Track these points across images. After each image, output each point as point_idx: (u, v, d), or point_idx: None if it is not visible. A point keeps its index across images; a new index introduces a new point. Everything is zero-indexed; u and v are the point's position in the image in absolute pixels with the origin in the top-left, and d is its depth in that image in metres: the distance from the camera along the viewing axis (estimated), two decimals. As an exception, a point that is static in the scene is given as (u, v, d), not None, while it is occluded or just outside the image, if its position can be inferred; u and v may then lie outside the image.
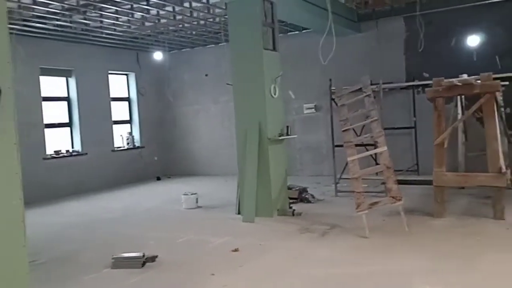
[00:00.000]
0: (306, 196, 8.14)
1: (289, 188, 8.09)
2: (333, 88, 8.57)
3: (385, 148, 6.33)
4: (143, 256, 5.01)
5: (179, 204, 8.31)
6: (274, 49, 7.27)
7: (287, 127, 7.42)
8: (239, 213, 7.27)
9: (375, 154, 7.35)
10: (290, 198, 7.81)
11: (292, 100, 11.30)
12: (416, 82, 9.84)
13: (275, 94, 7.15)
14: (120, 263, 4.96)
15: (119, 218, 7.83)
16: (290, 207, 7.35)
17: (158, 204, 8.93)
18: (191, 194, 8.32)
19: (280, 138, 7.20)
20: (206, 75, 12.66)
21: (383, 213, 6.65)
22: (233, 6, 7.15)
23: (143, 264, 4.98)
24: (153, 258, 5.12)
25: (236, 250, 5.40)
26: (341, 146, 7.19)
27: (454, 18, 9.51)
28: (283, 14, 7.99)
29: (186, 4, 8.50)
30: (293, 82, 11.26)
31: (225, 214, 7.52)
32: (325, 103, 10.43)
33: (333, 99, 8.59)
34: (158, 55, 12.33)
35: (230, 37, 7.26)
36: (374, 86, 8.52)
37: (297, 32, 11.04)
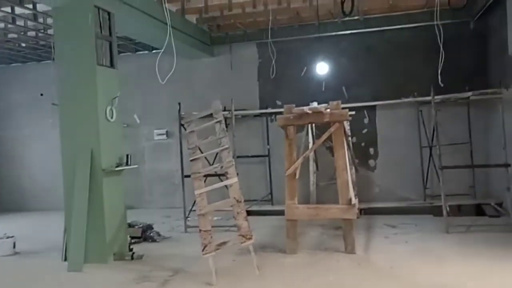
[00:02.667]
0: (151, 234, 7.19)
1: (131, 226, 7.08)
2: (182, 113, 7.85)
3: (235, 179, 5.73)
4: None
5: (-10, 251, 6.70)
6: (111, 65, 6.29)
7: (127, 155, 6.43)
8: (66, 259, 6.01)
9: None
10: (132, 238, 6.80)
11: (141, 125, 10.37)
12: (269, 110, 9.63)
13: (112, 117, 6.15)
14: None
15: None
16: (131, 249, 6.33)
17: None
18: (7, 238, 6.77)
19: (118, 169, 6.18)
20: (42, 94, 11.00)
21: (234, 252, 6.01)
22: (60, 14, 6.02)
23: None
24: None
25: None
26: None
27: (304, 47, 9.58)
28: (124, 28, 7.08)
29: (7, 9, 7.12)
30: (143, 105, 10.38)
31: (48, 261, 6.18)
32: (177, 129, 9.69)
33: (182, 125, 7.86)
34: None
35: (56, 50, 6.08)
36: (226, 112, 8.04)
37: (146, 51, 10.18)
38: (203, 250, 5.13)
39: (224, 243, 5.36)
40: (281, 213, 7.20)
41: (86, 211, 5.80)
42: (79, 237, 5.75)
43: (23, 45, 9.40)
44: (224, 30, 9.80)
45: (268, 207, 9.30)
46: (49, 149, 10.92)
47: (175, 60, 6.05)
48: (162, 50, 5.71)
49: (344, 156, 6.12)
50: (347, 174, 6.06)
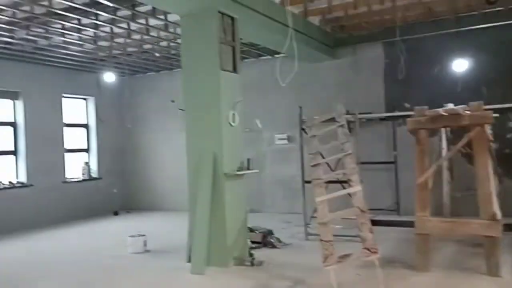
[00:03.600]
0: (271, 240, 7.09)
1: (252, 231, 7.05)
2: (303, 117, 7.65)
3: (359, 187, 5.35)
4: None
5: (125, 247, 7.15)
6: (234, 70, 6.33)
7: (248, 160, 6.41)
8: (190, 261, 6.15)
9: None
10: (253, 242, 6.76)
11: (262, 130, 10.37)
12: (397, 113, 8.98)
13: (234, 122, 6.18)
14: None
15: (44, 266, 6.61)
16: (251, 254, 6.28)
17: (102, 246, 7.76)
18: (139, 236, 7.19)
19: (239, 173, 6.17)
20: (173, 101, 11.61)
21: (357, 264, 5.60)
22: (186, 21, 6.22)
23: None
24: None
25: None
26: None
27: (437, 44, 8.77)
28: (246, 33, 7.09)
29: (142, 21, 7.60)
30: (265, 110, 10.40)
31: (173, 262, 6.38)
32: (298, 134, 9.53)
33: (303, 129, 7.66)
34: (119, 79, 11.36)
35: (182, 56, 6.30)
36: (349, 116, 7.64)
37: (269, 56, 10.20)
38: (324, 262, 4.84)
39: (347, 255, 5.01)
40: (409, 224, 6.59)
41: (208, 215, 5.88)
42: (202, 240, 5.84)
43: (157, 55, 10.01)
44: (348, 30, 9.39)
45: (394, 217, 8.66)
46: (177, 152, 11.55)
47: (297, 64, 5.86)
48: (284, 54, 5.52)
49: (486, 165, 5.37)
50: (490, 184, 5.30)
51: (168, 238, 7.98)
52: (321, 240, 5.07)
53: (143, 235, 7.21)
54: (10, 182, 9.76)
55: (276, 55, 9.83)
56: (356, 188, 5.37)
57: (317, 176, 5.81)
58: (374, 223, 6.26)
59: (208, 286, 5.29)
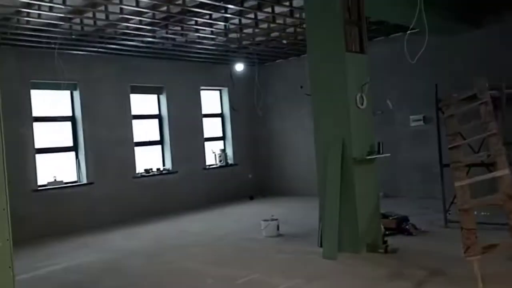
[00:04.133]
0: (407, 226, 6.75)
1: (385, 217, 6.78)
2: (440, 96, 7.08)
3: (507, 171, 4.79)
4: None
5: (259, 230, 7.44)
6: (361, 51, 6.10)
7: (379, 143, 6.15)
8: (321, 245, 6.16)
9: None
10: (387, 229, 6.50)
11: (395, 111, 9.89)
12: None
13: (362, 104, 5.97)
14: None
15: (188, 244, 7.20)
16: (384, 241, 6.06)
17: (238, 228, 8.17)
18: (272, 220, 7.40)
19: (369, 157, 5.97)
20: (301, 87, 11.68)
21: (505, 255, 5.07)
22: (311, 5, 6.16)
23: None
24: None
25: (302, 299, 4.36)
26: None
27: None
28: (373, 10, 6.72)
29: (268, 9, 7.73)
30: (397, 90, 9.89)
31: (306, 246, 6.46)
32: (434, 114, 8.89)
33: (440, 109, 7.10)
34: (249, 68, 11.74)
35: (308, 40, 6.24)
36: (494, 92, 6.86)
37: (399, 33, 9.62)
38: (465, 252, 4.45)
39: (492, 246, 4.54)
40: None
41: (338, 201, 5.80)
42: (333, 226, 5.79)
43: (284, 42, 10.11)
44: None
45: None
46: (308, 138, 11.61)
47: (427, 38, 5.44)
48: (415, 29, 5.16)
49: None
50: None
51: (300, 223, 8.09)
52: (462, 228, 4.67)
53: (276, 219, 7.40)
54: (157, 169, 10.78)
55: (409, 31, 9.26)
56: (503, 171, 4.82)
57: (456, 159, 5.36)
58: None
59: (340, 271, 5.23)
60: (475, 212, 5.08)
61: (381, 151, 6.13)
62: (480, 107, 5.60)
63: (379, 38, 10.00)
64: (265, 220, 7.43)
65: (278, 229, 7.33)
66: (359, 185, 5.85)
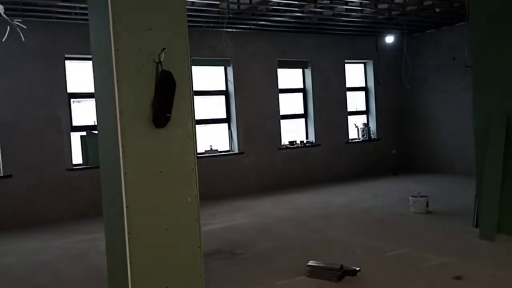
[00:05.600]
0: None
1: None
2: None
3: None
4: (341, 268, 4.40)
5: (406, 206, 7.33)
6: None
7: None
8: (476, 226, 5.87)
9: None
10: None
11: None
12: None
13: (535, 76, 5.45)
14: (315, 272, 4.49)
15: (334, 215, 7.38)
16: (552, 227, 5.55)
17: (383, 203, 8.13)
18: (421, 196, 7.22)
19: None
20: (454, 58, 10.97)
21: None
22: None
23: (340, 277, 4.38)
24: (353, 272, 4.47)
25: (458, 277, 4.26)
26: None
27: None
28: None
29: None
30: None
31: (458, 224, 6.21)
32: None
33: None
34: (397, 40, 11.33)
35: (471, 5, 5.81)
36: None
37: None
38: None
39: None
40: None
41: (499, 181, 5.45)
42: (492, 206, 5.47)
43: (437, 10, 9.52)
44: None
45: None
46: (458, 113, 10.89)
47: None
48: None
49: None
50: None
51: (450, 201, 7.78)
52: None
53: (425, 196, 7.21)
54: (301, 141, 11.12)
55: None
56: None
57: None
58: None
59: (500, 254, 4.96)
60: None
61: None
62: None
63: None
64: (413, 196, 7.28)
65: (427, 206, 7.14)
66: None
